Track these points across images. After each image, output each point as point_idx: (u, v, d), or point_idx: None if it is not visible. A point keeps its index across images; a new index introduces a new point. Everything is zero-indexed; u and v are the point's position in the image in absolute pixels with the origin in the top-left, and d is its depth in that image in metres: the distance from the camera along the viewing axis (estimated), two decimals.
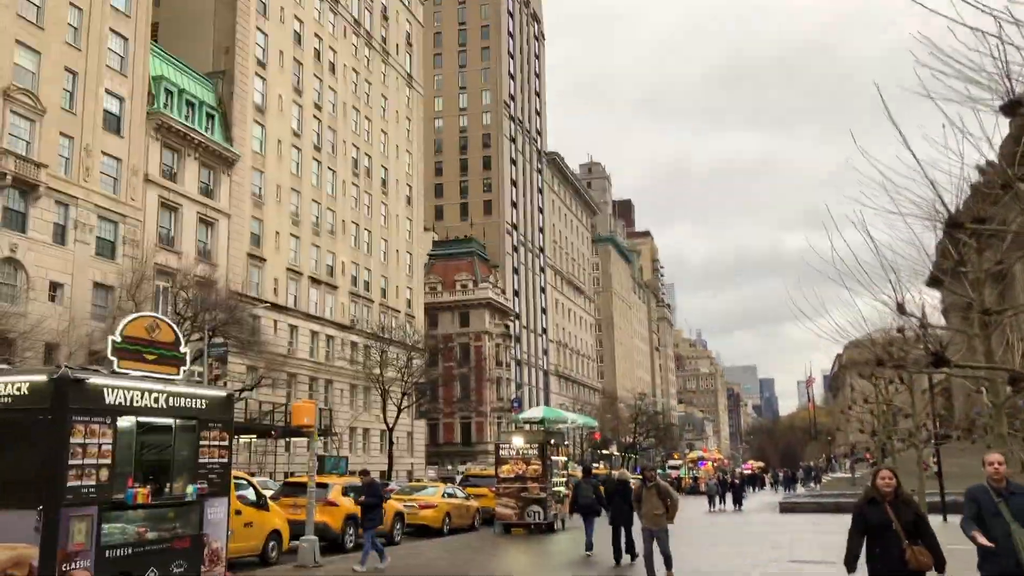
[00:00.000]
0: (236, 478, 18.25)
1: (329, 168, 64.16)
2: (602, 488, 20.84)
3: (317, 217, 61.87)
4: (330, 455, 38.18)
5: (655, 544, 14.47)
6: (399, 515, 24.04)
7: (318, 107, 63.46)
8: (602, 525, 19.53)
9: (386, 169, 73.54)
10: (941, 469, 31.30)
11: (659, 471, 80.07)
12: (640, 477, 15.68)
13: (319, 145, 63.00)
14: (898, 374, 22.37)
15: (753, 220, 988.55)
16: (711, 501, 40.16)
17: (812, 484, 65.82)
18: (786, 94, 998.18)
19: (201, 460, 11.20)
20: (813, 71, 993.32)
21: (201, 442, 11.22)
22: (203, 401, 11.31)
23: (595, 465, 61.32)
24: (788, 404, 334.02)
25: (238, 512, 17.02)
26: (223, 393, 12.04)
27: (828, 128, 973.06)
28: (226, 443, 11.66)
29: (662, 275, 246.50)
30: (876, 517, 7.75)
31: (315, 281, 60.95)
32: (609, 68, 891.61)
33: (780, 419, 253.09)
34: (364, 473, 18.64)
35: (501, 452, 26.90)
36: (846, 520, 25.37)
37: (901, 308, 13.33)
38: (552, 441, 27.36)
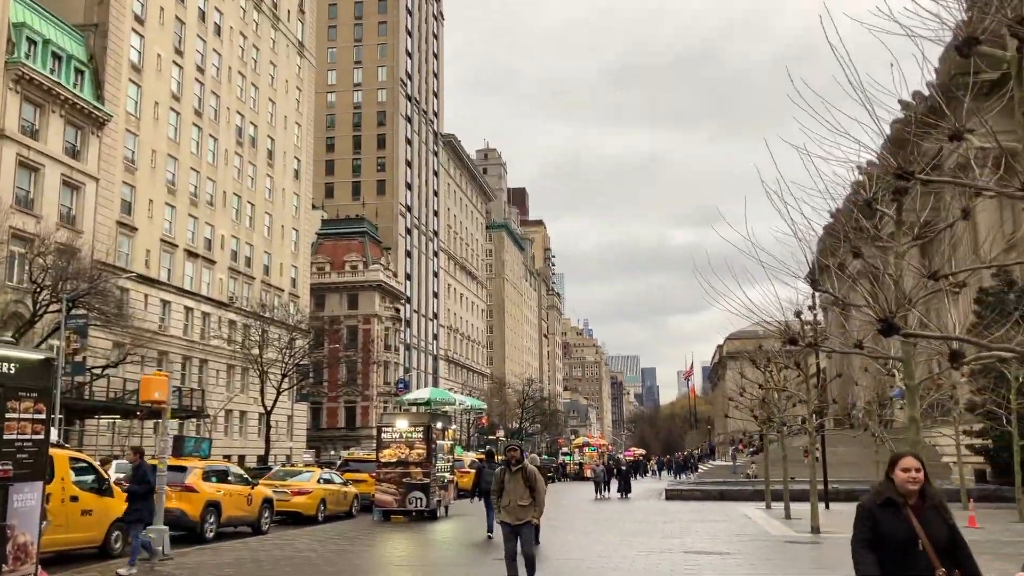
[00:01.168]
0: (75, 460, 16.14)
1: (211, 135, 60.63)
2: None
3: (195, 186, 58.35)
4: (191, 436, 35.62)
5: (519, 543, 11.85)
6: (268, 502, 22.14)
7: (200, 70, 59.82)
8: None
9: (273, 140, 70.22)
10: (825, 457, 31.45)
11: (544, 456, 79.78)
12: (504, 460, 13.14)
13: (200, 110, 59.41)
14: (795, 359, 21.93)
15: (643, 215, 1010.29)
16: (597, 488, 39.51)
17: (688, 473, 66.65)
18: (678, 95, 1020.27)
19: (7, 436, 9.24)
20: (703, 74, 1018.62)
21: (8, 414, 9.26)
22: (11, 365, 9.34)
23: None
24: (669, 393, 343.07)
25: (74, 498, 14.97)
26: (38, 356, 10.06)
27: (717, 129, 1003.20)
28: (42, 416, 9.72)
29: (553, 264, 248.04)
30: (894, 528, 5.24)
31: (191, 254, 57.50)
32: (507, 59, 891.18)
33: (661, 408, 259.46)
34: (135, 451, 15.37)
35: (383, 435, 25.31)
36: (731, 508, 24.87)
37: (815, 283, 12.52)
38: (438, 424, 25.93)
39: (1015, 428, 25.68)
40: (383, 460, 24.88)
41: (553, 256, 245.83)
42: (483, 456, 23.93)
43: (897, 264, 11.77)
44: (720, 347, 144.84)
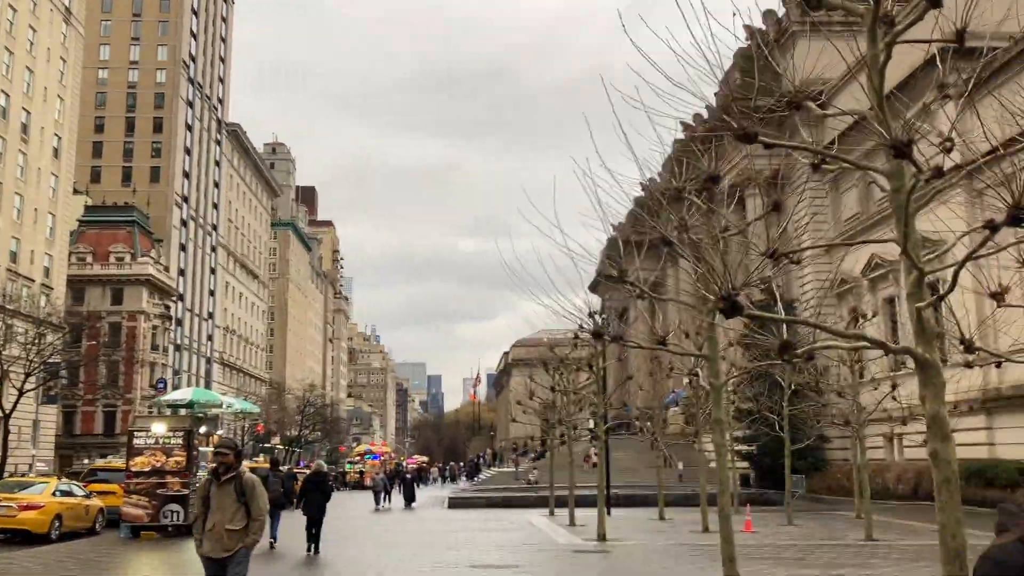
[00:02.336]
0: None
1: None
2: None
3: None
4: None
5: None
6: None
7: None
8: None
9: (28, 113, 62.82)
10: (608, 462, 31.48)
11: (327, 465, 76.95)
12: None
13: None
14: (587, 361, 21.39)
15: (433, 223, 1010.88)
16: (377, 498, 37.45)
17: (475, 478, 66.33)
18: (472, 107, 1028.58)
19: None
20: (496, 89, 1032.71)
21: None
22: None
23: (256, 459, 56.67)
24: (454, 400, 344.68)
25: None
26: None
27: (508, 143, 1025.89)
28: None
29: (342, 267, 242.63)
30: None
31: None
32: (302, 56, 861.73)
33: (446, 415, 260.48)
34: None
35: (136, 441, 22.30)
36: (515, 516, 23.97)
37: (623, 274, 11.69)
38: (202, 429, 23.25)
39: (787, 434, 26.65)
40: (134, 469, 21.90)
41: (342, 258, 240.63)
42: (258, 463, 22.07)
43: (714, 250, 11.10)
44: (506, 354, 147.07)
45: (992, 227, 5.34)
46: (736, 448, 41.27)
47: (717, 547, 18.84)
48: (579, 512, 26.40)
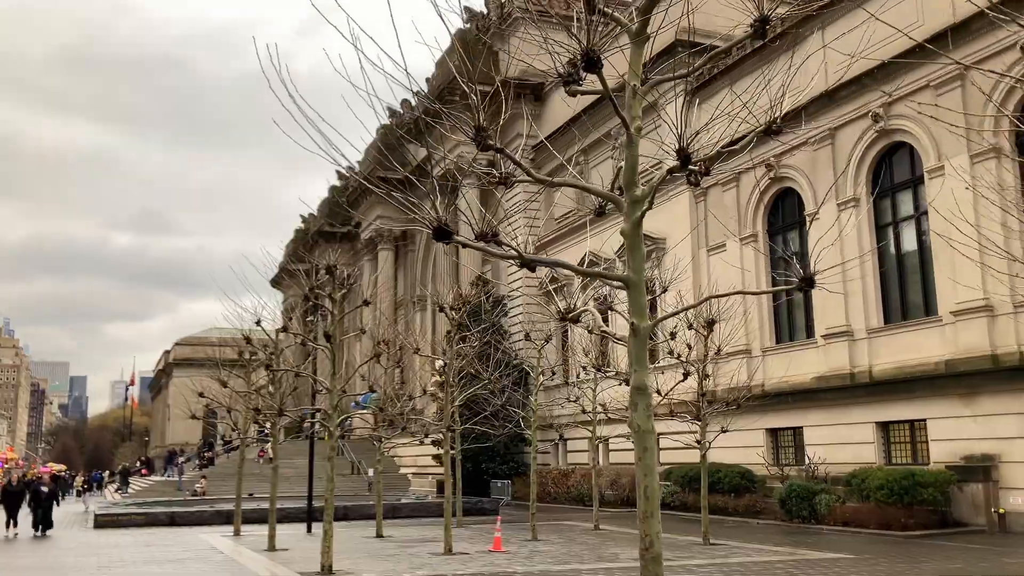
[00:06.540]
0: None
1: None
2: None
3: None
4: None
5: None
6: None
7: None
8: None
9: None
10: (312, 471, 26.55)
11: None
12: None
13: None
14: (327, 331, 16.38)
15: (81, 214, 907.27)
16: None
17: (121, 488, 57.11)
18: (133, 95, 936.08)
19: None
20: (163, 80, 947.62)
21: None
22: None
23: None
24: (100, 404, 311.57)
25: None
26: None
27: (171, 137, 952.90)
28: None
29: None
30: None
31: None
32: None
33: (90, 419, 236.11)
34: None
35: None
36: (189, 537, 16.31)
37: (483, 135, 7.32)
38: None
39: (535, 434, 23.39)
40: None
41: None
42: None
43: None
44: (167, 353, 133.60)
45: None
46: (435, 453, 38.13)
47: None
48: (261, 529, 21.30)
